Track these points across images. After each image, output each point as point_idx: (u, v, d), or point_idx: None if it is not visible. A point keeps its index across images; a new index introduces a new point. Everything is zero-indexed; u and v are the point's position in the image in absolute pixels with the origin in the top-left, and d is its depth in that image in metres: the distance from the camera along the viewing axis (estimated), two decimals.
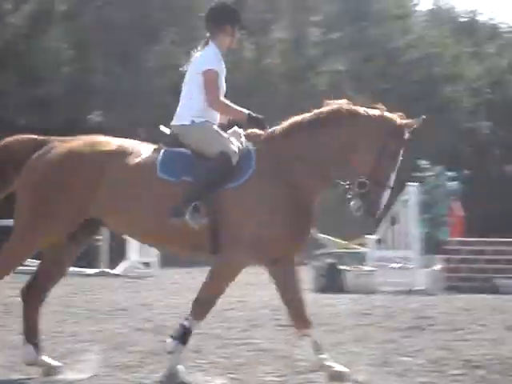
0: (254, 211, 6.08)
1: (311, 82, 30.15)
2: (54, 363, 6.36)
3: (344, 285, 14.14)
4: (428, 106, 31.62)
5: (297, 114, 6.40)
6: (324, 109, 6.28)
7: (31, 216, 6.25)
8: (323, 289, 13.96)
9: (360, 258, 15.68)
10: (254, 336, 8.16)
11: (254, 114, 6.34)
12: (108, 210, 6.26)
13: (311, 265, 14.51)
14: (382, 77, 33.25)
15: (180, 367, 5.96)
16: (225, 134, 6.32)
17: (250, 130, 6.43)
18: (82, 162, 6.24)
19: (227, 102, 6.40)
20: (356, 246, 17.18)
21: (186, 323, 6.03)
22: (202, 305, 6.09)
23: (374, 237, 15.22)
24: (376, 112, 6.19)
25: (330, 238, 17.14)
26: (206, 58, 6.36)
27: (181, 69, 6.58)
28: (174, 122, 6.39)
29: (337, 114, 6.21)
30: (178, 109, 6.42)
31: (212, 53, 6.40)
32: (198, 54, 6.43)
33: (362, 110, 6.23)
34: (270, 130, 6.35)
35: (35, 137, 6.56)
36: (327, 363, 5.99)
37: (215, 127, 6.36)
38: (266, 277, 6.32)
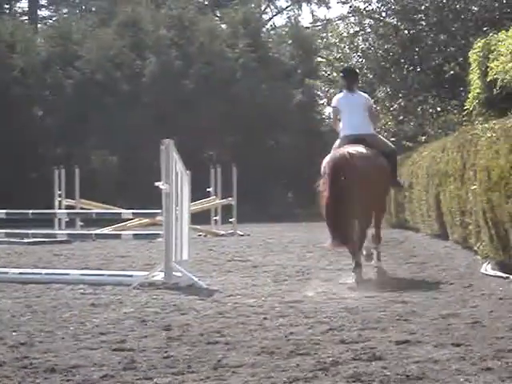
0: None
1: None
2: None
3: None
4: None
5: None
6: None
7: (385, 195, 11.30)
8: None
9: None
10: None
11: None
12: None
13: None
14: None
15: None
16: None
17: None
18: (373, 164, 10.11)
19: None
20: None
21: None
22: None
23: None
24: None
25: None
26: (367, 98, 11.02)
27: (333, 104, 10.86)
28: (359, 132, 10.31)
29: None
30: (355, 122, 10.38)
31: (366, 95, 11.17)
32: (358, 94, 10.77)
33: None
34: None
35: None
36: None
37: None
38: None
